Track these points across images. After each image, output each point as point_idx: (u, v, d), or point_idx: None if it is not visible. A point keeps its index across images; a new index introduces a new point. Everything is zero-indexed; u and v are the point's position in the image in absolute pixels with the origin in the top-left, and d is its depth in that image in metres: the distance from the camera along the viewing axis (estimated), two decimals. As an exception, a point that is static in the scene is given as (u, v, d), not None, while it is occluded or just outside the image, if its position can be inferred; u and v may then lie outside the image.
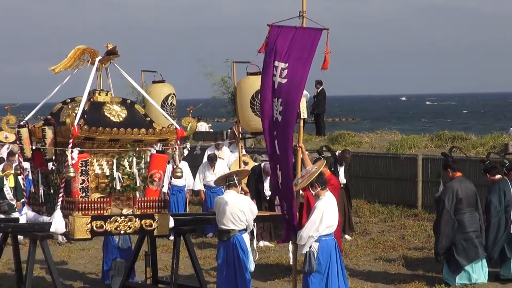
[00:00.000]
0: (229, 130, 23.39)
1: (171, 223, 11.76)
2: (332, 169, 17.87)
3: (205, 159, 19.51)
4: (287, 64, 10.39)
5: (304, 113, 11.01)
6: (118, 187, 11.14)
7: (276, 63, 10.47)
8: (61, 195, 11.13)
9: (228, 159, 19.81)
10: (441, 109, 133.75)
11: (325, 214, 10.68)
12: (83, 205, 11.01)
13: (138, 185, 11.25)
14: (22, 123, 11.78)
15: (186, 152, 12.23)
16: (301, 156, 11.22)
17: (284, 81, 10.40)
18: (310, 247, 10.69)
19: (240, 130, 15.13)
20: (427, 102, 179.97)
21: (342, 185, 18.05)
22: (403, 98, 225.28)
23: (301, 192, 11.11)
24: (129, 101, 11.83)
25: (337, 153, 18.62)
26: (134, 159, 11.23)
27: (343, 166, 18.37)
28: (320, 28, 10.37)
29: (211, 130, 35.32)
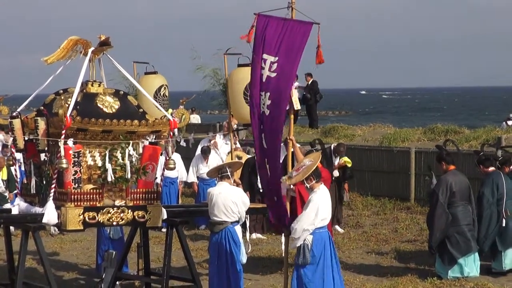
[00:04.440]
0: (224, 122, 23.34)
1: (164, 215, 11.73)
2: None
3: (198, 152, 19.49)
4: (277, 58, 10.20)
5: (296, 104, 10.90)
6: (109, 179, 11.10)
7: (265, 56, 10.27)
8: (53, 186, 11.07)
9: (221, 150, 19.77)
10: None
11: (320, 207, 10.60)
12: (75, 196, 10.97)
13: (129, 176, 11.22)
14: (14, 114, 11.72)
15: (186, 143, 12.18)
16: (292, 149, 11.18)
17: (273, 75, 10.23)
18: (304, 240, 10.65)
19: (236, 122, 15.07)
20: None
21: (333, 178, 18.06)
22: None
23: (291, 186, 11.05)
24: (122, 92, 11.77)
25: (332, 146, 18.61)
26: (127, 150, 11.20)
27: (338, 159, 18.37)
28: (310, 22, 10.28)
29: (199, 122, 35.33)
